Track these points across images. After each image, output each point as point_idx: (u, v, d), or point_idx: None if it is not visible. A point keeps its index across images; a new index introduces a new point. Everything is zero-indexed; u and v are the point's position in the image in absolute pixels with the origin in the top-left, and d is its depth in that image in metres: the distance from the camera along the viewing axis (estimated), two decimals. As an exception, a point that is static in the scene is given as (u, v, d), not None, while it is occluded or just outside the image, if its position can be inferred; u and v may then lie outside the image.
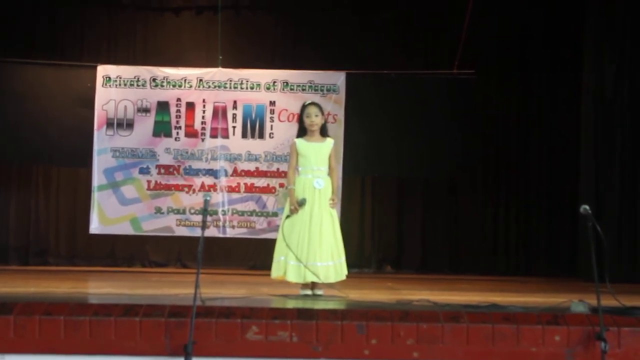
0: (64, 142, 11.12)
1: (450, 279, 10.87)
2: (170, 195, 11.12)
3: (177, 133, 11.18)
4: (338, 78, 11.22)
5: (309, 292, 6.49)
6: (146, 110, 11.18)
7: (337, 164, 7.07)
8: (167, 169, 11.13)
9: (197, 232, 10.90)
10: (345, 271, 6.62)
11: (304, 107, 6.77)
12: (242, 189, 11.14)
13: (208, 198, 5.08)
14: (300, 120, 6.76)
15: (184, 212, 11.10)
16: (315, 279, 6.44)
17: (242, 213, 11.11)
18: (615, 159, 10.58)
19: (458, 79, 11.14)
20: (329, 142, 6.73)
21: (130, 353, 4.48)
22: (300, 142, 6.67)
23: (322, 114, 6.74)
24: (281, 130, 11.08)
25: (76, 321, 4.49)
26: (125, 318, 4.51)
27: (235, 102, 11.21)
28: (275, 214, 10.96)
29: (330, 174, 6.70)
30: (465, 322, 4.57)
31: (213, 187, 11.11)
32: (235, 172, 11.15)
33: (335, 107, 11.13)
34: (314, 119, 6.65)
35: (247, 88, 11.22)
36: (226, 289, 7.18)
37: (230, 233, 11.14)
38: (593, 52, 10.77)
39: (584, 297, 5.23)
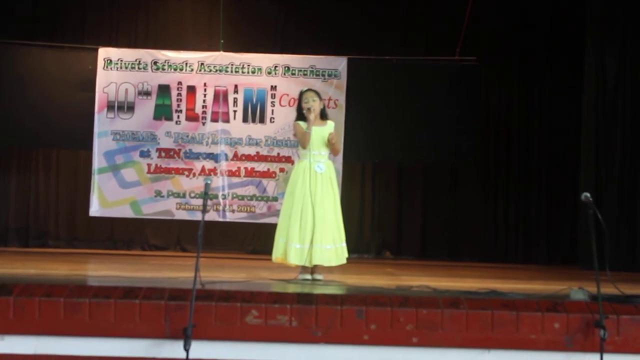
0: (64, 125, 11.09)
1: (449, 265, 10.89)
2: (170, 178, 11.12)
3: (178, 116, 11.16)
4: (340, 63, 11.20)
5: (308, 276, 6.50)
6: (147, 94, 11.16)
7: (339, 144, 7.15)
8: (168, 153, 11.13)
9: (197, 216, 10.91)
10: (346, 255, 6.64)
11: (301, 94, 6.79)
12: (243, 173, 11.13)
13: (208, 182, 5.07)
14: (299, 106, 6.76)
15: (184, 196, 11.10)
16: (317, 262, 6.45)
17: (242, 197, 11.11)
18: (616, 148, 10.58)
19: (460, 66, 11.13)
20: (330, 124, 6.72)
21: (129, 335, 4.49)
22: (303, 124, 6.66)
23: (320, 98, 6.75)
24: (282, 115, 11.06)
25: (76, 303, 4.49)
26: (125, 300, 4.51)
27: (236, 86, 11.19)
28: (275, 199, 10.96)
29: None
30: (464, 309, 4.57)
31: (213, 171, 11.10)
32: (236, 157, 11.14)
33: (337, 92, 11.12)
34: (312, 104, 6.65)
35: (248, 72, 11.20)
36: (226, 273, 7.19)
37: (230, 217, 11.14)
38: (595, 41, 10.76)
39: (583, 285, 5.23)
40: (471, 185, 12.24)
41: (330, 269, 6.71)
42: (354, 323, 4.53)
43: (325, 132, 6.65)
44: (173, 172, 11.13)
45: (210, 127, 11.16)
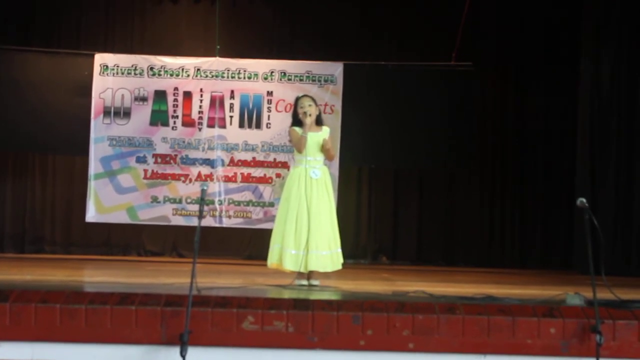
0: (60, 130, 11.08)
1: (445, 270, 10.89)
2: (166, 184, 11.11)
3: (174, 122, 11.16)
4: (336, 69, 11.20)
5: (304, 282, 6.50)
6: (143, 99, 11.16)
7: (335, 149, 7.13)
8: (164, 158, 11.12)
9: (193, 222, 10.90)
10: (341, 261, 6.64)
11: (297, 100, 6.80)
12: (239, 178, 11.13)
13: (205, 187, 5.07)
14: (295, 112, 6.76)
15: (180, 202, 11.09)
16: (312, 268, 6.45)
17: (239, 203, 11.11)
18: (612, 152, 10.60)
19: (456, 71, 11.14)
20: (325, 130, 6.73)
21: (126, 341, 4.48)
22: (299, 130, 6.67)
23: (316, 104, 6.76)
24: (278, 120, 11.06)
25: (72, 309, 4.49)
26: (121, 307, 4.51)
27: (232, 91, 11.20)
28: (271, 204, 10.96)
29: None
30: (460, 314, 4.57)
31: (210, 176, 11.10)
32: (232, 162, 11.14)
33: (333, 97, 11.12)
34: (308, 109, 6.65)
35: (244, 78, 11.20)
36: (222, 279, 7.19)
37: (226, 223, 11.13)
38: (591, 46, 10.78)
39: (579, 290, 5.24)
40: (467, 190, 12.25)
41: (326, 275, 6.71)
42: (350, 329, 4.53)
43: (320, 137, 6.66)
44: (169, 177, 11.13)
45: (207, 132, 11.15)
